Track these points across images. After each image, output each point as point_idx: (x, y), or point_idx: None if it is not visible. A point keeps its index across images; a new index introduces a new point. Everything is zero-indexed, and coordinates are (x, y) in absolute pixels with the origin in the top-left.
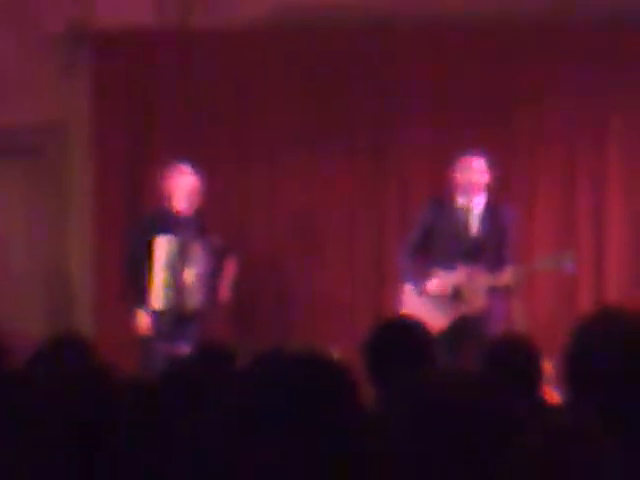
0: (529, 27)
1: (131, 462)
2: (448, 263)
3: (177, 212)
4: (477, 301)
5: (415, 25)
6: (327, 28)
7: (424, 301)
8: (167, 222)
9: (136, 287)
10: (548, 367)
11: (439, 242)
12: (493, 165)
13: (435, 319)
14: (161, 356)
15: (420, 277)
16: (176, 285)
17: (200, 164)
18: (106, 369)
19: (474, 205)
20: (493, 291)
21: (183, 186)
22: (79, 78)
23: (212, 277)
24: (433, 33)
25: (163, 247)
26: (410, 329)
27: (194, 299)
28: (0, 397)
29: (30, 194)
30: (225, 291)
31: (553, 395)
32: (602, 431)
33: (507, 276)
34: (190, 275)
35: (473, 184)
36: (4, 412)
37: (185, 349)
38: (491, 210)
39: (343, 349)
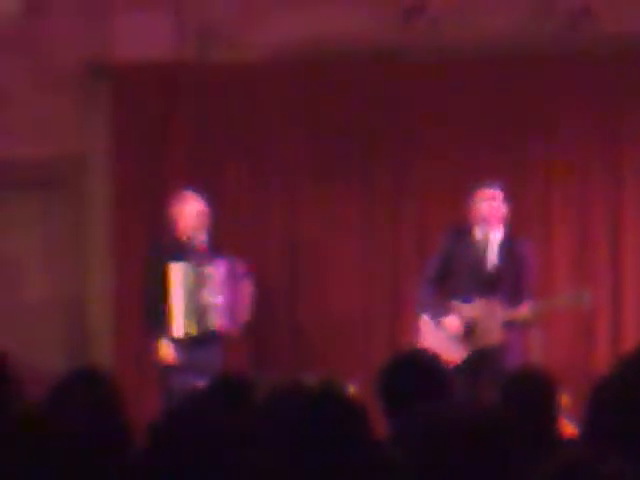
0: (539, 56)
1: None
2: (465, 295)
3: (188, 239)
4: (494, 334)
5: (424, 57)
6: (343, 60)
7: (441, 334)
8: (180, 249)
9: (156, 317)
10: (565, 400)
11: (457, 273)
12: (510, 197)
13: (452, 352)
14: (182, 388)
15: (438, 308)
16: (195, 311)
17: (216, 194)
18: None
19: (492, 237)
20: (510, 325)
21: (188, 213)
22: (98, 111)
23: (230, 300)
24: (442, 65)
25: (178, 274)
26: (426, 363)
27: (214, 322)
28: (15, 433)
29: (49, 225)
30: (244, 314)
31: (569, 428)
32: (616, 465)
33: (524, 311)
34: (208, 299)
35: (490, 215)
36: (19, 449)
37: (202, 383)
38: (509, 242)
39: (359, 381)
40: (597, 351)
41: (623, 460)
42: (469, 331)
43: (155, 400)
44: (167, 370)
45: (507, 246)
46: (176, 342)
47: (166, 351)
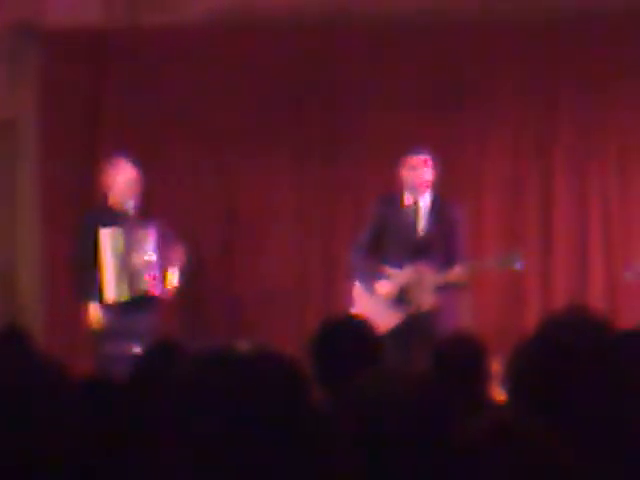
0: (469, 23)
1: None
2: (397, 261)
3: (118, 205)
4: (426, 299)
5: (366, 24)
6: (277, 26)
7: (374, 300)
8: (110, 215)
9: (85, 282)
10: (496, 366)
11: (388, 240)
12: (439, 162)
13: (385, 318)
14: (113, 354)
15: (371, 276)
16: (126, 275)
17: (147, 160)
18: (55, 363)
19: (421, 202)
20: (442, 289)
21: (120, 179)
22: (27, 75)
23: (161, 263)
24: (377, 32)
25: (108, 239)
26: (356, 328)
27: (146, 284)
28: None
29: None
30: (174, 276)
31: (500, 394)
32: (541, 429)
33: (455, 274)
34: (138, 263)
35: (417, 182)
36: None
37: (136, 348)
38: (438, 207)
39: (294, 349)
40: (527, 316)
41: (546, 424)
42: (401, 296)
43: (87, 366)
44: (99, 335)
45: (437, 211)
46: (108, 307)
47: (95, 316)
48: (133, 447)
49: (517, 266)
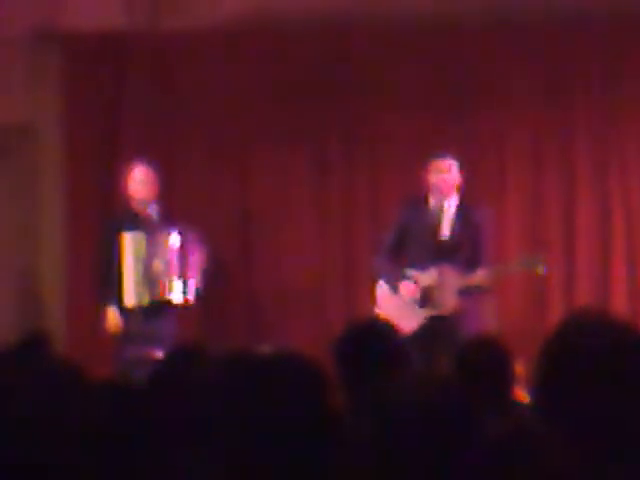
0: (482, 26)
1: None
2: (421, 264)
3: (141, 208)
4: (449, 302)
5: (376, 24)
6: (296, 29)
7: (397, 301)
8: (133, 220)
9: (106, 286)
10: (519, 369)
11: (412, 242)
12: (463, 165)
13: (408, 320)
14: (134, 359)
15: (394, 277)
16: (147, 280)
17: (170, 164)
18: (76, 369)
19: (446, 206)
20: (466, 292)
21: (139, 183)
22: (49, 79)
23: (183, 266)
24: (395, 33)
25: (130, 243)
26: (379, 332)
27: (166, 290)
28: None
29: (1, 194)
30: (196, 281)
31: (524, 397)
32: (563, 436)
33: (478, 277)
34: (160, 266)
35: (444, 185)
36: None
37: (157, 352)
38: (464, 211)
39: (313, 350)
40: (550, 319)
41: (570, 427)
42: (424, 298)
43: (108, 370)
44: (120, 339)
45: (462, 214)
46: (129, 311)
47: (113, 320)
48: (151, 451)
49: (540, 270)
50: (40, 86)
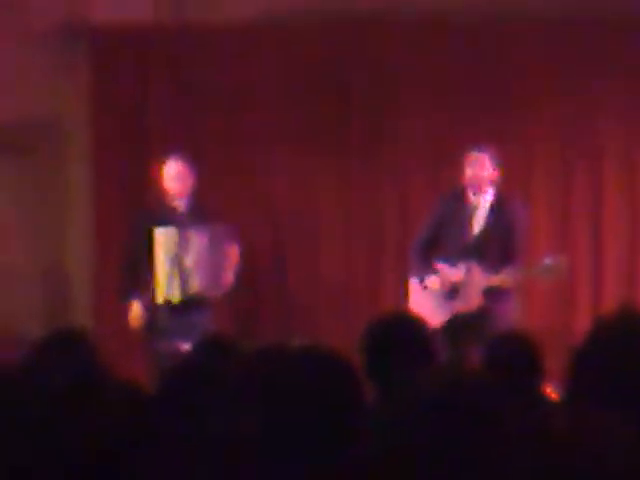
0: (521, 24)
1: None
2: (451, 259)
3: (173, 203)
4: (473, 300)
5: (404, 18)
6: (322, 26)
7: (426, 296)
8: (165, 214)
9: (129, 280)
10: (548, 365)
11: (446, 237)
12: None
13: (434, 314)
14: (165, 353)
15: (425, 271)
16: (178, 275)
17: (197, 158)
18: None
19: (482, 200)
20: (495, 290)
21: (172, 178)
22: (76, 74)
23: (213, 265)
24: (423, 27)
25: (161, 239)
26: (407, 324)
27: (197, 286)
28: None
29: (26, 192)
30: (228, 277)
31: (553, 395)
32: (600, 429)
33: (503, 277)
34: (191, 261)
35: (477, 179)
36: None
37: (186, 346)
38: (499, 206)
39: (343, 346)
40: (578, 320)
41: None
42: (450, 294)
43: (137, 365)
44: (149, 334)
45: (496, 211)
46: (161, 306)
47: (136, 315)
48: (176, 446)
49: (562, 276)
50: (66, 82)
